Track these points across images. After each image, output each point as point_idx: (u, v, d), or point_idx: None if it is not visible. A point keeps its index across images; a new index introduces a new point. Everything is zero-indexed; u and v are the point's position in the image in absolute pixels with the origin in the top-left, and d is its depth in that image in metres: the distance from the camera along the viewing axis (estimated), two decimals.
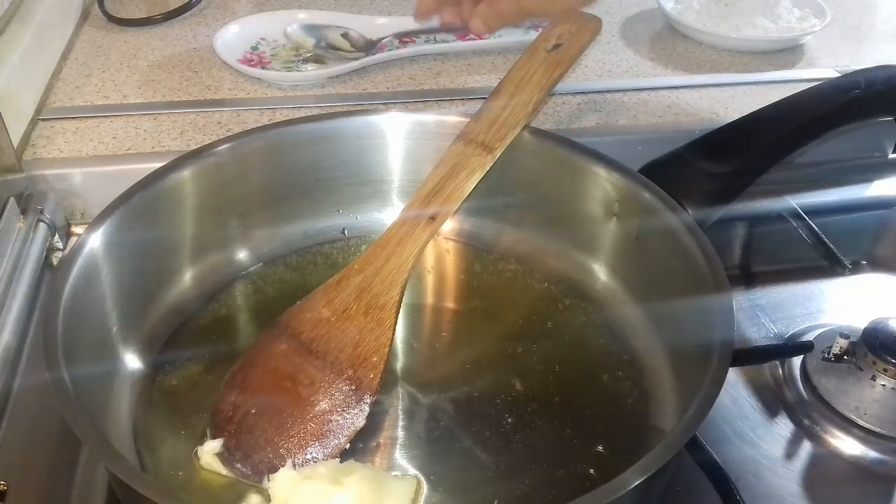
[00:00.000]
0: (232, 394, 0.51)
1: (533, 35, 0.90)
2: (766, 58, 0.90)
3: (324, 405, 0.50)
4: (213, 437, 0.49)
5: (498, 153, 0.57)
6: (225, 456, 0.48)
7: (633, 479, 0.39)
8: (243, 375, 0.52)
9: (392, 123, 0.63)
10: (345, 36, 0.87)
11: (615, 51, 0.91)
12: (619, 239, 0.59)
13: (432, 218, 0.55)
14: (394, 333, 0.53)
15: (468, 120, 0.59)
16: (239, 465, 0.48)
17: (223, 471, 0.48)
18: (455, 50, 0.88)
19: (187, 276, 0.59)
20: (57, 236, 0.65)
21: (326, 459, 0.48)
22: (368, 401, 0.50)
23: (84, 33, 0.91)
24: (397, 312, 0.53)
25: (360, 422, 0.50)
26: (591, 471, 0.49)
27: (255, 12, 0.92)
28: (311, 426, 0.49)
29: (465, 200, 0.56)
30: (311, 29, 0.88)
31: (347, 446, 0.49)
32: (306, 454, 0.48)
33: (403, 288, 0.54)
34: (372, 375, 0.51)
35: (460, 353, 0.57)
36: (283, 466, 0.47)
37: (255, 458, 0.48)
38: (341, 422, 0.50)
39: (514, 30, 0.91)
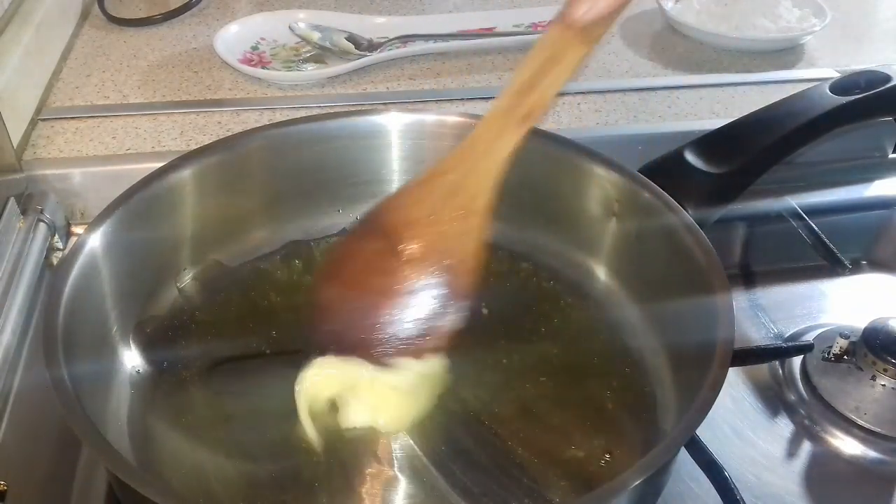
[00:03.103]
0: (326, 289, 0.51)
1: (533, 35, 0.90)
2: (766, 58, 0.90)
3: (416, 306, 0.49)
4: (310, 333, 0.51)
5: (596, 42, 0.48)
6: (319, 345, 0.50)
7: (633, 479, 0.39)
8: (336, 270, 0.52)
9: (392, 123, 0.63)
10: (349, 38, 0.87)
11: (615, 51, 0.91)
12: (619, 239, 0.59)
13: (525, 116, 0.49)
14: (484, 239, 0.50)
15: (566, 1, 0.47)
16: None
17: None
18: (455, 50, 0.88)
19: (187, 276, 0.59)
20: (57, 236, 0.65)
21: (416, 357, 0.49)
22: (459, 306, 0.49)
23: (84, 33, 0.91)
24: (488, 218, 0.50)
25: (451, 325, 0.49)
26: (591, 470, 0.49)
27: (255, 12, 0.92)
28: (402, 324, 0.49)
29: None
30: (312, 28, 0.88)
31: (437, 346, 0.50)
32: (394, 350, 0.49)
33: (494, 192, 0.50)
34: (464, 281, 0.49)
35: (460, 352, 0.57)
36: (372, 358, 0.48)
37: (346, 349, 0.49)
38: (433, 323, 0.49)
39: (513, 29, 0.91)
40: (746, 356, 0.60)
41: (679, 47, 0.92)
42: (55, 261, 0.64)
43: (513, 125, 0.49)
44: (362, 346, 0.50)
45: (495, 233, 0.64)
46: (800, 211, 0.71)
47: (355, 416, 0.50)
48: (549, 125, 0.76)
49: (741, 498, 0.49)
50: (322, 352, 0.50)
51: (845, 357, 0.58)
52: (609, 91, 0.82)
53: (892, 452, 0.55)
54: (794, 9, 0.94)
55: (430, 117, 0.63)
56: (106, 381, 0.51)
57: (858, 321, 0.59)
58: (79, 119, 0.75)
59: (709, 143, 0.62)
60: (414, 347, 0.49)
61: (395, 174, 0.65)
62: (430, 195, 0.50)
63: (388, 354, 0.49)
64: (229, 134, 0.70)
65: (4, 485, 0.46)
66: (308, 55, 0.86)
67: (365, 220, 0.53)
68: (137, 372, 0.54)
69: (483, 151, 0.49)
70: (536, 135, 0.61)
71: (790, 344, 0.62)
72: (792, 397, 0.59)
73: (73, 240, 0.67)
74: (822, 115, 0.63)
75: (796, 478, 0.54)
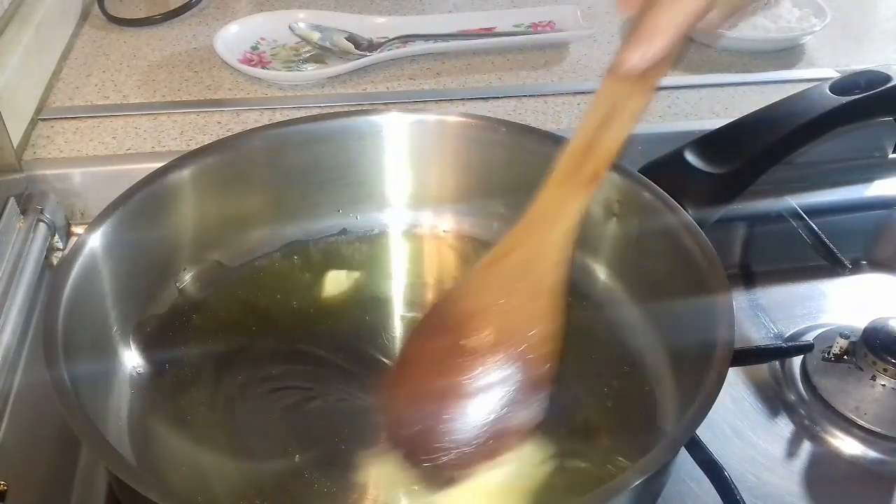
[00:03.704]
0: (396, 400, 0.47)
1: (533, 35, 0.90)
2: (766, 58, 0.90)
3: (497, 402, 0.45)
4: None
5: (654, 88, 0.45)
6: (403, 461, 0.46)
7: (633, 479, 0.39)
8: (403, 378, 0.48)
9: (392, 123, 0.63)
10: (349, 38, 0.87)
11: (615, 51, 0.90)
12: (619, 239, 0.59)
13: (590, 178, 0.44)
14: (558, 320, 0.46)
15: (621, 46, 0.45)
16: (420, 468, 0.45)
17: None
18: (455, 50, 0.88)
19: (187, 276, 0.59)
20: (57, 236, 0.65)
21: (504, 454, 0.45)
22: (544, 394, 0.46)
23: (84, 33, 0.91)
24: (560, 297, 0.46)
25: (538, 416, 0.45)
26: (591, 470, 0.49)
27: (255, 12, 0.92)
28: (488, 427, 0.45)
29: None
30: (312, 28, 0.88)
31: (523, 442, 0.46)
32: (486, 456, 0.45)
33: (565, 267, 0.46)
34: (546, 367, 0.46)
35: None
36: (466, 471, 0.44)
37: (436, 463, 0.45)
38: (518, 418, 0.45)
39: (513, 29, 0.91)
40: (746, 356, 0.60)
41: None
42: (55, 261, 0.64)
43: (578, 190, 0.45)
44: (436, 453, 0.45)
45: (495, 233, 0.65)
46: (800, 211, 0.71)
47: None
48: (549, 125, 0.76)
49: (741, 498, 0.49)
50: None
51: (845, 357, 0.58)
52: None
53: (892, 452, 0.55)
54: (794, 9, 0.93)
55: (430, 117, 0.63)
56: (106, 381, 0.51)
57: (858, 321, 0.59)
58: (79, 119, 0.75)
59: (709, 143, 0.62)
60: (491, 449, 0.45)
61: (396, 174, 0.65)
62: (496, 279, 0.46)
63: (465, 463, 0.45)
64: (229, 134, 0.70)
65: (4, 485, 0.46)
66: (308, 55, 0.86)
67: (429, 315, 0.49)
68: (137, 372, 0.54)
69: (549, 224, 0.45)
70: (537, 134, 0.61)
71: (790, 344, 0.62)
72: (792, 397, 0.59)
73: (73, 240, 0.67)
74: (822, 115, 0.63)
75: (796, 478, 0.54)
